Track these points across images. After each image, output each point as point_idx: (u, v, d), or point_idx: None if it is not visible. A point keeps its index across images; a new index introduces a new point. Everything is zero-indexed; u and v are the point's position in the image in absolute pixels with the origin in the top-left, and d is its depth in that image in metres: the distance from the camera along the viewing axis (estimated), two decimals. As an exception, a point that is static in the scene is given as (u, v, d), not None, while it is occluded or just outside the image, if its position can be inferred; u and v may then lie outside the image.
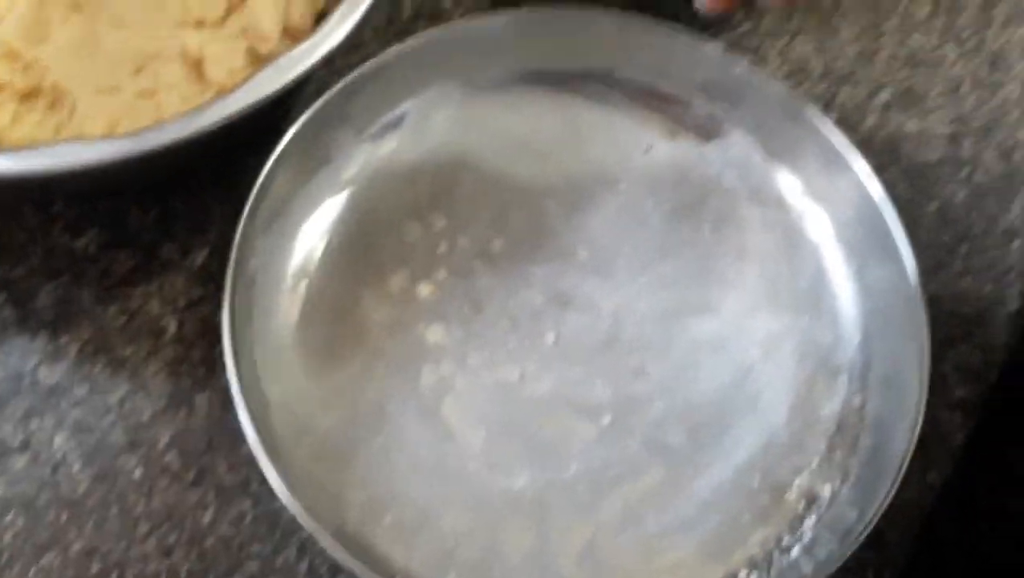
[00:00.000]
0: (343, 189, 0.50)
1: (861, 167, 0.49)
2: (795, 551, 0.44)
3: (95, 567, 0.41)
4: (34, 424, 0.43)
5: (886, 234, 0.48)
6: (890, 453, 0.44)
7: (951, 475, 0.48)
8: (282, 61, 0.41)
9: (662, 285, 0.49)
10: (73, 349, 0.45)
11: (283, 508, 0.43)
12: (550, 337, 0.48)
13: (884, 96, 0.59)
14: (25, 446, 0.43)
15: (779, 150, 0.52)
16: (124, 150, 0.38)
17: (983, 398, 0.50)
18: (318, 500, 0.41)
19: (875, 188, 0.49)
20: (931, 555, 0.47)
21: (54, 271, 0.47)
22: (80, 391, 0.44)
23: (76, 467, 0.43)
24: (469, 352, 0.47)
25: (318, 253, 0.48)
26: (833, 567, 0.40)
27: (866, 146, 0.57)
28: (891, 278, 0.48)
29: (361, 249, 0.49)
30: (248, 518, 0.42)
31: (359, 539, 0.41)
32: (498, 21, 0.51)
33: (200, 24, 0.50)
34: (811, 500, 0.45)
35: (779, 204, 0.52)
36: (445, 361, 0.47)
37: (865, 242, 0.50)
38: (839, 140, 0.50)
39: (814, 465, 0.46)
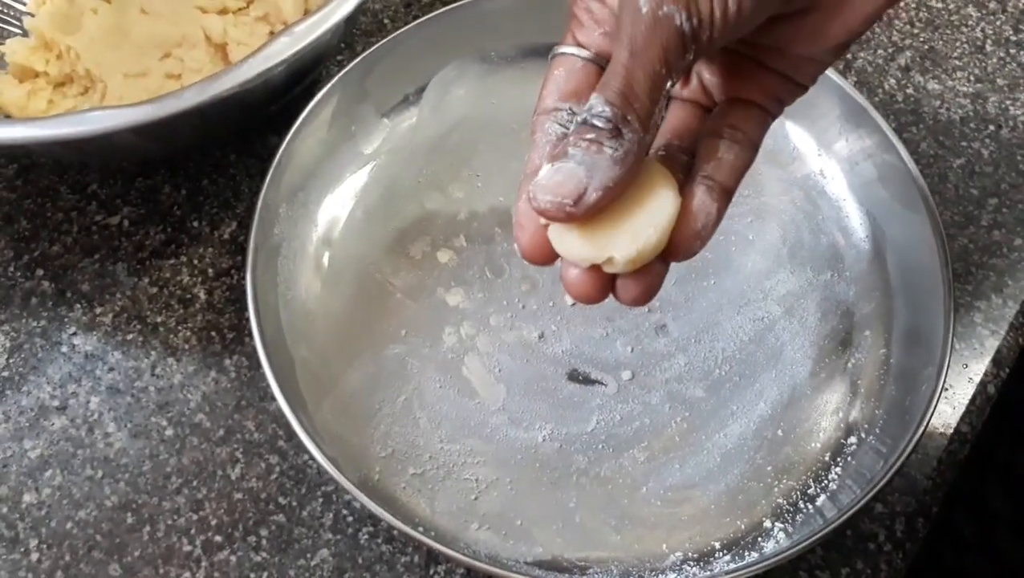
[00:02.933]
0: (365, 163, 0.51)
1: (880, 125, 0.49)
2: (820, 500, 0.43)
3: (129, 520, 0.42)
4: (71, 388, 0.45)
5: (909, 190, 0.48)
6: (916, 403, 0.43)
7: (984, 425, 0.47)
8: (297, 29, 0.43)
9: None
10: (108, 318, 0.47)
11: (308, 463, 0.44)
12: (569, 298, 0.49)
13: (903, 58, 0.59)
14: (63, 408, 0.45)
15: (796, 112, 0.52)
16: (147, 115, 0.40)
17: (1016, 349, 0.49)
18: (343, 454, 0.41)
19: (896, 145, 0.48)
20: (965, 504, 0.46)
21: (90, 247, 0.49)
22: (114, 357, 0.46)
23: (111, 427, 0.44)
24: (490, 314, 0.48)
25: (341, 222, 0.50)
26: (853, 511, 0.39)
27: (887, 107, 0.57)
28: (915, 233, 0.47)
29: (383, 218, 0.50)
30: (275, 473, 0.43)
31: (383, 491, 0.42)
32: (512, -3, 0.52)
33: (224, 10, 0.52)
34: (836, 451, 0.45)
35: (797, 165, 0.52)
36: (466, 322, 0.48)
37: (887, 199, 0.49)
38: (857, 100, 0.50)
39: (839, 417, 0.45)
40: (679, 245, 0.30)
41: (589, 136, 0.27)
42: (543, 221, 0.30)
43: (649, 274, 0.30)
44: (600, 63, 0.32)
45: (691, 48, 0.27)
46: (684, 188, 0.31)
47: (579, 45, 0.32)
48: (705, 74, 0.33)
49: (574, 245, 0.29)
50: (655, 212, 0.29)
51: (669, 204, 0.30)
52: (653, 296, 0.31)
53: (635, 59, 0.27)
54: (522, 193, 0.32)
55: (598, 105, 0.27)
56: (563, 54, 0.32)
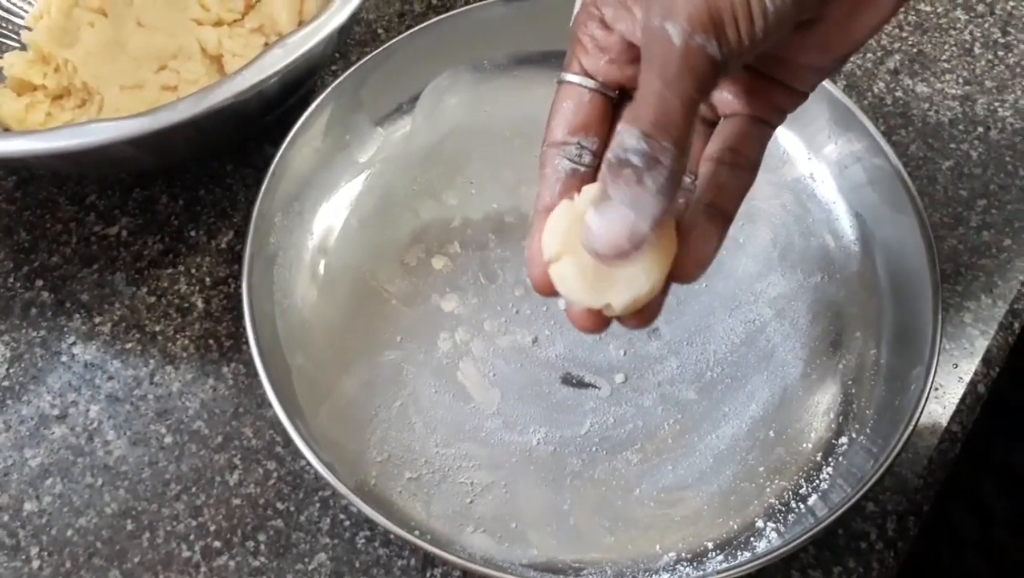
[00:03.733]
0: (360, 172, 0.52)
1: (869, 129, 0.49)
2: (812, 499, 0.44)
3: (129, 526, 0.43)
4: (71, 397, 0.46)
5: (897, 192, 0.48)
6: (905, 403, 0.44)
7: (975, 425, 0.48)
8: (290, 40, 0.43)
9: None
10: (107, 328, 0.48)
11: (306, 468, 0.44)
12: (563, 303, 0.49)
13: (892, 62, 0.59)
14: (63, 417, 0.45)
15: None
16: (143, 127, 0.41)
17: (1005, 348, 0.50)
18: (340, 460, 0.42)
19: (884, 148, 0.49)
20: (961, 502, 0.46)
21: (89, 257, 0.50)
22: (114, 366, 0.47)
23: (110, 435, 0.45)
24: (484, 319, 0.48)
25: (336, 231, 0.50)
26: (844, 509, 0.40)
27: (876, 110, 0.57)
28: (904, 235, 0.48)
29: (378, 226, 0.51)
30: (272, 478, 0.44)
31: (379, 495, 0.43)
32: (504, 7, 0.53)
33: (219, 22, 0.53)
34: (828, 451, 0.45)
35: (787, 169, 0.53)
36: (461, 328, 0.48)
37: (877, 201, 0.50)
38: (846, 104, 0.50)
39: (830, 417, 0.46)
40: (682, 274, 0.31)
41: (627, 174, 0.27)
42: (546, 259, 0.31)
43: (647, 308, 0.32)
44: (607, 92, 0.32)
45: (721, 73, 0.28)
46: (687, 216, 0.31)
47: (585, 73, 0.32)
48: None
49: (575, 290, 0.31)
50: (651, 258, 0.30)
51: (670, 249, 0.30)
52: (653, 321, 0.32)
53: (669, 87, 0.27)
54: (535, 231, 0.32)
55: (631, 140, 0.27)
56: (569, 83, 0.32)
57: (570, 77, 0.32)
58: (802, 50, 0.31)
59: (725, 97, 0.33)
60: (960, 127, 0.57)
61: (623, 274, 0.30)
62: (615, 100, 0.33)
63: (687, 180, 0.33)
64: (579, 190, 0.31)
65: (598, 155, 0.33)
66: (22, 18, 0.54)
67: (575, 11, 0.32)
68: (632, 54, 0.32)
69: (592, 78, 0.32)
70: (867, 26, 0.31)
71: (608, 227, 0.28)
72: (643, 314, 0.32)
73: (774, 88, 0.33)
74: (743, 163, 0.33)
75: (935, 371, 0.43)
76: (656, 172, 0.27)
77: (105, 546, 0.42)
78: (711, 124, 0.34)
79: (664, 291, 0.31)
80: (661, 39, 0.27)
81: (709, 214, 0.32)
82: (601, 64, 0.32)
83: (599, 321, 0.32)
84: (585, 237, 0.28)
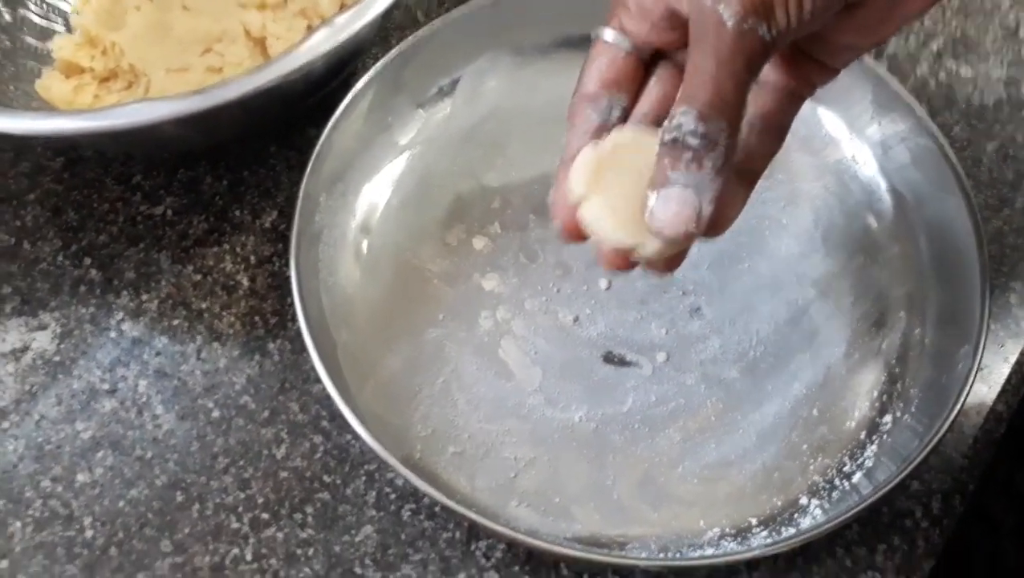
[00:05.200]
0: (401, 153, 0.52)
1: (914, 110, 0.49)
2: (856, 477, 0.43)
3: (179, 498, 0.43)
4: (120, 372, 0.46)
5: (943, 172, 0.48)
6: (951, 382, 0.43)
7: (1020, 406, 0.47)
8: (337, 21, 0.44)
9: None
10: (154, 305, 0.48)
11: (351, 442, 0.45)
12: (603, 283, 0.49)
13: (936, 45, 0.59)
14: (113, 392, 0.46)
15: (829, 98, 0.53)
16: (193, 106, 0.41)
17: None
18: (385, 434, 0.42)
19: (929, 130, 0.48)
20: (998, 487, 0.46)
21: (135, 236, 0.51)
22: (161, 342, 0.47)
23: (159, 409, 0.45)
24: (524, 298, 0.49)
25: (379, 211, 0.51)
26: (890, 487, 0.39)
27: (919, 93, 0.57)
28: (949, 215, 0.48)
29: (419, 206, 0.51)
30: (319, 452, 0.44)
31: (425, 469, 0.43)
32: (544, -11, 0.53)
33: (262, 5, 0.54)
34: (872, 429, 0.45)
35: (830, 151, 0.53)
36: (502, 307, 0.48)
37: (921, 182, 0.49)
38: (890, 85, 0.50)
39: (874, 396, 0.46)
40: (709, 228, 0.31)
41: (687, 156, 0.28)
42: (572, 201, 0.32)
43: (675, 256, 0.33)
44: (642, 56, 0.33)
45: (771, 53, 0.29)
46: None
47: (623, 32, 0.33)
48: None
49: (607, 228, 0.31)
50: None
51: None
52: (676, 269, 0.34)
53: (722, 68, 0.28)
54: (560, 177, 0.33)
55: (688, 122, 0.28)
56: (606, 41, 0.33)
57: (608, 35, 0.33)
58: (842, 31, 0.32)
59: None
60: (1004, 109, 0.56)
61: None
62: (648, 61, 0.34)
63: None
64: None
65: (627, 111, 0.34)
66: (69, 2, 0.55)
67: None
68: (674, 21, 0.32)
69: (630, 39, 0.33)
70: (910, 12, 0.32)
71: (674, 211, 0.29)
72: (671, 260, 0.33)
73: (808, 63, 0.34)
74: (772, 129, 0.34)
75: (983, 350, 0.43)
76: (714, 153, 0.28)
77: (156, 517, 0.43)
78: None
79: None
80: (714, 21, 0.28)
81: (737, 173, 0.32)
82: (643, 27, 0.32)
83: (627, 262, 0.32)
84: (649, 221, 0.29)
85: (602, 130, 0.33)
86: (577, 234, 0.33)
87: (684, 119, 0.28)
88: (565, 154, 0.33)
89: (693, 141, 0.28)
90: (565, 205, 0.32)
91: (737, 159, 0.32)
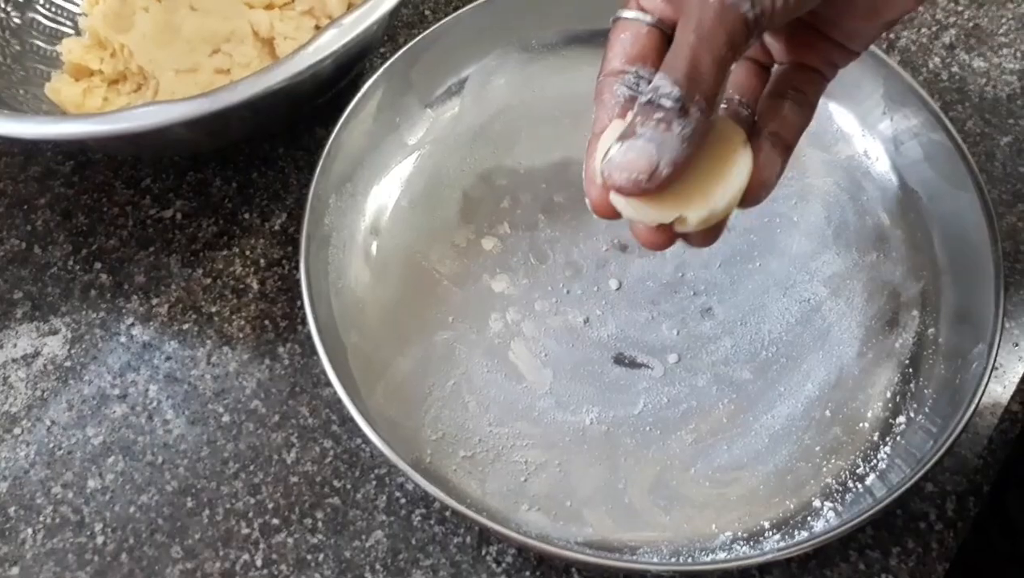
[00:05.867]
0: (410, 153, 0.52)
1: (926, 104, 0.49)
2: (870, 479, 0.43)
3: (189, 503, 0.43)
4: (130, 377, 0.47)
5: (956, 168, 0.47)
6: (966, 382, 0.43)
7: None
8: (345, 21, 0.44)
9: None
10: (164, 309, 0.48)
11: (362, 446, 0.45)
12: (613, 283, 0.49)
13: (948, 36, 0.58)
14: (123, 397, 0.46)
15: (840, 93, 0.52)
16: (201, 108, 0.41)
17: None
18: (395, 438, 0.42)
19: (942, 124, 0.48)
20: (1016, 487, 0.45)
21: (145, 240, 0.51)
22: (171, 346, 0.47)
23: (169, 414, 0.45)
24: (535, 299, 0.48)
25: (388, 212, 0.51)
26: (904, 490, 0.39)
27: (931, 86, 0.56)
28: (961, 211, 0.47)
29: (428, 207, 0.51)
30: (329, 457, 0.44)
31: (435, 473, 0.43)
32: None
33: (270, 5, 0.53)
34: (885, 430, 0.45)
35: (841, 147, 0.52)
36: (512, 308, 0.48)
37: (934, 178, 0.49)
38: (901, 79, 0.49)
39: (887, 396, 0.45)
40: (748, 196, 0.32)
41: (657, 116, 0.29)
42: (600, 183, 0.31)
43: (716, 226, 0.32)
44: (664, 28, 0.33)
45: (754, 33, 0.29)
46: (752, 141, 0.32)
47: (642, 9, 0.33)
48: (767, 37, 0.35)
49: (642, 211, 0.31)
50: (730, 174, 0.31)
51: (745, 167, 0.31)
52: (717, 239, 0.33)
53: (702, 43, 0.28)
54: (591, 152, 0.33)
55: (665, 85, 0.28)
56: (626, 19, 0.33)
57: (627, 14, 0.33)
58: (852, 14, 0.32)
59: (780, 47, 0.35)
60: (1019, 102, 0.55)
61: (702, 187, 0.31)
62: (669, 36, 0.33)
63: (744, 112, 0.34)
64: None
65: None
66: (78, 4, 0.55)
67: None
68: None
69: (649, 15, 0.33)
70: None
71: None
72: (712, 231, 0.32)
73: (828, 44, 0.34)
74: (802, 101, 0.34)
75: (997, 349, 0.42)
76: (684, 120, 0.28)
77: (167, 522, 0.43)
78: (766, 68, 0.35)
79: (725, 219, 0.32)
80: None
81: (772, 142, 0.33)
82: (658, 3, 0.33)
83: (667, 237, 0.32)
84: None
85: (633, 102, 0.32)
86: (611, 212, 0.32)
87: (662, 83, 0.29)
88: (595, 127, 0.33)
89: (666, 103, 0.28)
90: (595, 183, 0.32)
91: (772, 126, 0.33)
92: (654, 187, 0.29)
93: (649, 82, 0.32)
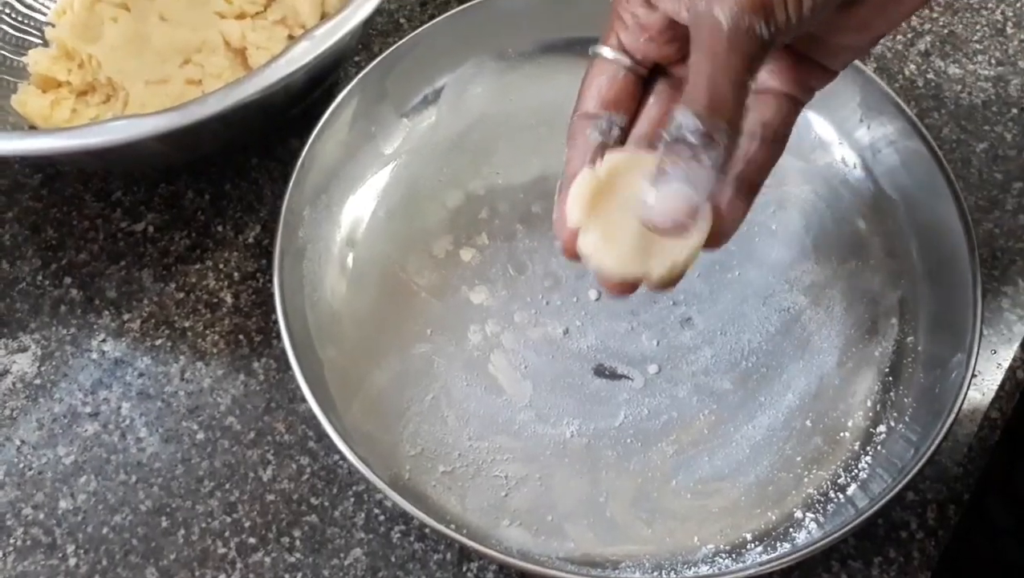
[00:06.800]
0: (386, 163, 0.52)
1: (902, 112, 0.49)
2: (851, 489, 0.43)
3: (164, 523, 0.43)
4: (102, 394, 0.46)
5: (932, 176, 0.47)
6: (945, 390, 0.43)
7: (1014, 411, 0.47)
8: (317, 33, 0.43)
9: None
10: (136, 324, 0.48)
11: (339, 463, 0.44)
12: (593, 293, 0.49)
13: (923, 43, 0.58)
14: (95, 414, 0.45)
15: (816, 101, 0.51)
16: (172, 122, 0.40)
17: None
18: (373, 454, 0.42)
19: (918, 131, 0.48)
20: (996, 489, 0.46)
21: (116, 254, 0.50)
22: (144, 362, 0.46)
23: (143, 432, 0.45)
24: (514, 311, 0.48)
25: (364, 223, 0.50)
26: (887, 500, 0.39)
27: (907, 93, 0.56)
28: (939, 219, 0.47)
29: (405, 218, 0.50)
30: (306, 474, 0.44)
31: (414, 489, 0.42)
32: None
33: (242, 15, 0.53)
34: (866, 440, 0.44)
35: (819, 154, 0.52)
36: (491, 320, 0.48)
37: (911, 185, 0.49)
38: (877, 87, 0.49)
39: (868, 405, 0.45)
40: (709, 243, 0.32)
41: (686, 153, 0.28)
42: (571, 227, 0.32)
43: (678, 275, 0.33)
44: (640, 72, 0.34)
45: (770, 48, 0.29)
46: (716, 186, 0.32)
47: (622, 48, 0.33)
48: None
49: (609, 265, 0.31)
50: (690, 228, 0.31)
51: (705, 222, 0.31)
52: (677, 284, 0.34)
53: (720, 70, 0.28)
54: (563, 197, 0.33)
55: (688, 121, 0.28)
56: (605, 58, 0.33)
57: (606, 52, 0.33)
58: (841, 30, 0.32)
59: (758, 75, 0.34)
60: (994, 108, 0.56)
61: (660, 244, 0.31)
62: (647, 78, 0.34)
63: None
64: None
65: (626, 130, 0.34)
66: (45, 14, 0.54)
67: None
68: (673, 33, 0.32)
69: (628, 55, 0.33)
70: (909, 7, 0.32)
71: (667, 202, 0.29)
72: (672, 281, 0.33)
73: (806, 66, 0.34)
74: (772, 137, 0.34)
75: (976, 358, 0.42)
76: (711, 149, 0.28)
77: (141, 543, 0.42)
78: None
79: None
80: (709, 24, 0.28)
81: (737, 184, 0.33)
82: (640, 42, 0.33)
83: (631, 287, 0.33)
84: (643, 211, 0.30)
85: (602, 149, 0.33)
86: (579, 257, 0.33)
87: (683, 119, 0.28)
88: (566, 173, 0.33)
89: (690, 137, 0.28)
90: (566, 227, 0.32)
91: (739, 169, 0.33)
92: (694, 221, 0.30)
93: (621, 128, 0.33)
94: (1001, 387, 0.47)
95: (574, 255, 0.32)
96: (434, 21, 0.51)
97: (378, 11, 0.44)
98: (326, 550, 0.42)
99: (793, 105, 0.34)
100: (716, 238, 0.32)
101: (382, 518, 0.43)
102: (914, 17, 0.59)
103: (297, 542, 0.42)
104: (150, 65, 0.51)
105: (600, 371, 0.46)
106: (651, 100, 0.34)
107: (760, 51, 0.28)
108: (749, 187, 0.33)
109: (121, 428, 0.45)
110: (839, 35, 0.32)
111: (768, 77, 0.34)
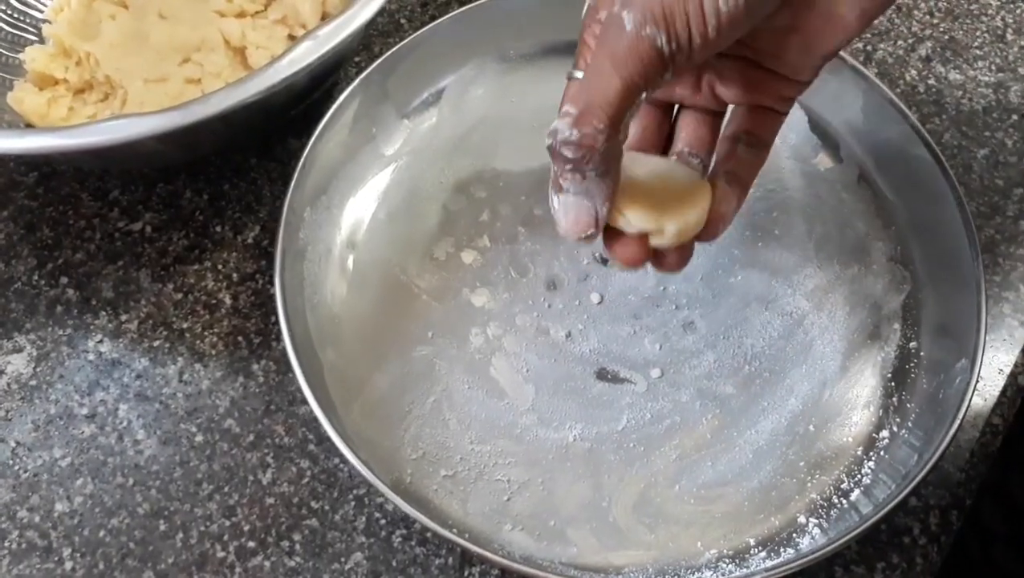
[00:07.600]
0: (387, 164, 0.51)
1: (904, 117, 0.48)
2: (854, 494, 0.43)
3: (162, 526, 0.42)
4: (99, 396, 0.45)
5: (935, 181, 0.47)
6: (949, 396, 0.43)
7: (1016, 417, 0.47)
8: (320, 33, 0.43)
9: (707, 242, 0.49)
10: (133, 325, 0.47)
11: (340, 466, 0.44)
12: (595, 297, 0.48)
13: (924, 49, 0.58)
14: (92, 416, 0.45)
15: (819, 105, 0.52)
16: (173, 121, 0.40)
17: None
18: (374, 457, 0.41)
19: (921, 137, 0.48)
20: (992, 496, 0.45)
21: (113, 254, 0.49)
22: (141, 364, 0.46)
23: (140, 434, 0.44)
24: (515, 314, 0.48)
25: (365, 225, 0.49)
26: (891, 506, 0.39)
27: (909, 98, 0.56)
28: (942, 224, 0.47)
29: (406, 220, 0.50)
30: (306, 477, 0.43)
31: (415, 493, 0.42)
32: (529, -3, 0.52)
33: (242, 14, 0.52)
34: (869, 445, 0.44)
35: (821, 159, 0.52)
36: (492, 323, 0.47)
37: (914, 191, 0.49)
38: (880, 92, 0.49)
39: (871, 410, 0.45)
40: (707, 229, 0.35)
41: (568, 168, 0.29)
42: None
43: (686, 248, 0.35)
44: None
45: (669, 67, 0.29)
46: (709, 180, 0.36)
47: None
48: (717, 85, 0.36)
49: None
50: (694, 198, 0.35)
51: (705, 196, 0.35)
52: (687, 264, 0.36)
53: (615, 69, 0.29)
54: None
55: (563, 128, 0.29)
56: (578, 79, 0.33)
57: (579, 75, 0.33)
58: (788, 49, 0.33)
59: (730, 91, 0.36)
60: (994, 115, 0.56)
61: (675, 208, 0.34)
62: None
63: (694, 161, 0.36)
64: None
65: None
66: (42, 11, 0.54)
67: (583, 12, 0.32)
68: None
69: None
70: (846, 29, 0.32)
71: (573, 216, 0.31)
72: (683, 252, 0.35)
73: (775, 79, 0.35)
74: (756, 142, 0.36)
75: (980, 364, 0.42)
76: (593, 159, 0.29)
77: (138, 546, 0.42)
78: (717, 115, 0.37)
79: (693, 243, 0.35)
80: (616, 24, 0.29)
81: (727, 180, 0.35)
82: None
83: (643, 252, 0.34)
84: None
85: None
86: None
87: (560, 124, 0.29)
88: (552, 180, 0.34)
89: (568, 153, 0.29)
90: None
91: (728, 167, 0.35)
92: (601, 228, 0.31)
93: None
94: (1003, 393, 0.47)
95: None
96: (436, 22, 0.51)
97: (380, 12, 0.43)
98: (326, 554, 0.41)
99: (770, 114, 0.36)
100: (714, 223, 0.35)
101: (383, 522, 0.42)
102: (915, 23, 0.59)
103: (297, 546, 0.42)
104: (149, 63, 0.50)
105: (602, 375, 0.46)
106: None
107: (658, 64, 0.29)
108: (739, 183, 0.35)
109: (118, 430, 0.44)
110: (788, 55, 0.33)
111: (740, 92, 0.35)
